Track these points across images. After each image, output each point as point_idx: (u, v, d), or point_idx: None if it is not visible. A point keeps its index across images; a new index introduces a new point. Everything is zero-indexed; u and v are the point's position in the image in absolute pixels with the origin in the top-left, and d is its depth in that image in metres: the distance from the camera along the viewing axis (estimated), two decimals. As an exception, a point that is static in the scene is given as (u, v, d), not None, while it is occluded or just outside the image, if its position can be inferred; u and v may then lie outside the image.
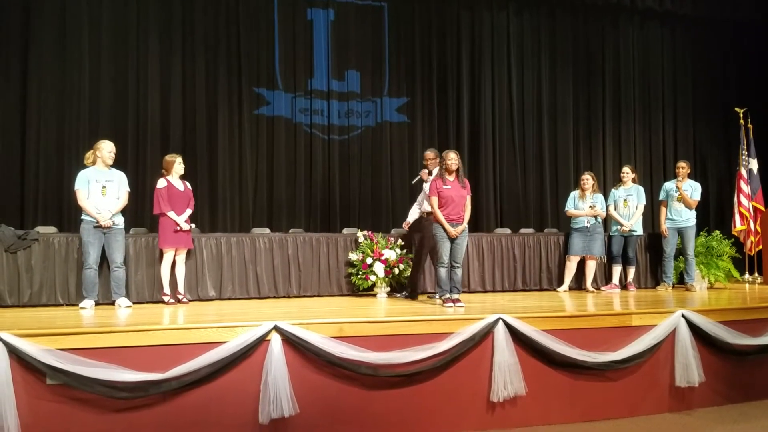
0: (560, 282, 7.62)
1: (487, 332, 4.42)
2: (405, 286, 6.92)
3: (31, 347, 3.68)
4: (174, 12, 8.58)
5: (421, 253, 6.64)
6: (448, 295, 5.61)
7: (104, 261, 5.99)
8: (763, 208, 9.05)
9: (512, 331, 4.45)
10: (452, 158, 5.69)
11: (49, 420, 3.70)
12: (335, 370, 4.13)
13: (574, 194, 7.59)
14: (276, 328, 4.08)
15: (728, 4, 10.43)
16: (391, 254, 6.93)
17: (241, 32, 8.88)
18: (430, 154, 6.58)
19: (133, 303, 6.11)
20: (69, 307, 6.02)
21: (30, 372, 3.69)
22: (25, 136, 7.92)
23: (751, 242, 8.91)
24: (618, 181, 8.03)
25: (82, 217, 5.93)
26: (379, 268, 6.85)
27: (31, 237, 6.15)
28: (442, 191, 5.67)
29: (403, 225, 7.08)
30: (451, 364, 4.32)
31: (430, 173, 6.45)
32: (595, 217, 7.35)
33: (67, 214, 7.90)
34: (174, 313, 5.31)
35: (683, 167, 7.67)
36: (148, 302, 6.37)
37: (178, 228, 6.17)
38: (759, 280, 8.90)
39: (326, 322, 4.29)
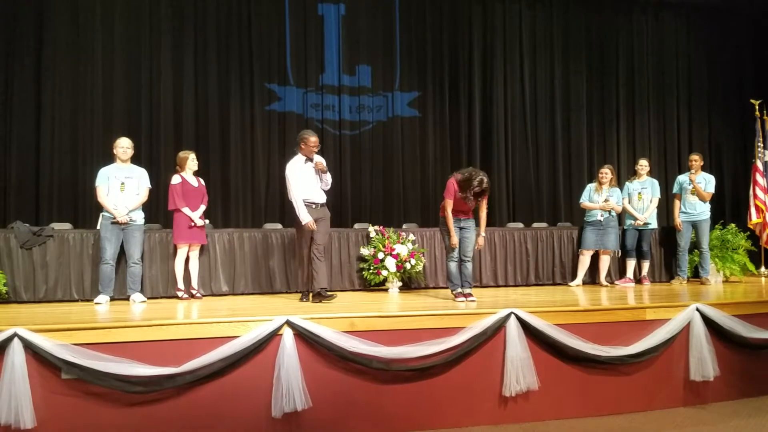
0: (573, 276, 7.57)
1: (500, 326, 4.41)
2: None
3: (46, 342, 3.72)
4: (186, 9, 8.61)
5: (302, 247, 5.86)
6: (459, 290, 5.61)
7: (120, 256, 6.06)
8: (779, 201, 8.93)
9: (525, 325, 4.44)
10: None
11: (65, 414, 3.75)
12: (347, 365, 4.14)
13: (591, 186, 7.52)
14: (288, 323, 4.10)
15: (744, -6, 10.32)
16: (402, 249, 6.92)
17: (252, 28, 8.90)
18: (312, 138, 5.72)
19: (148, 298, 6.17)
20: (84, 302, 6.07)
21: (45, 367, 3.73)
22: (39, 133, 8.02)
23: (767, 235, 8.80)
24: (632, 173, 7.96)
25: (102, 213, 6.05)
26: (390, 263, 6.85)
27: (46, 233, 6.21)
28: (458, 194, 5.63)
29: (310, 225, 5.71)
30: (463, 359, 4.32)
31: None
32: (609, 211, 7.28)
33: (82, 211, 7.99)
34: (188, 308, 5.34)
35: (696, 160, 7.60)
36: (162, 297, 6.42)
37: (193, 224, 6.21)
38: (775, 273, 8.81)
39: (338, 316, 4.30)
